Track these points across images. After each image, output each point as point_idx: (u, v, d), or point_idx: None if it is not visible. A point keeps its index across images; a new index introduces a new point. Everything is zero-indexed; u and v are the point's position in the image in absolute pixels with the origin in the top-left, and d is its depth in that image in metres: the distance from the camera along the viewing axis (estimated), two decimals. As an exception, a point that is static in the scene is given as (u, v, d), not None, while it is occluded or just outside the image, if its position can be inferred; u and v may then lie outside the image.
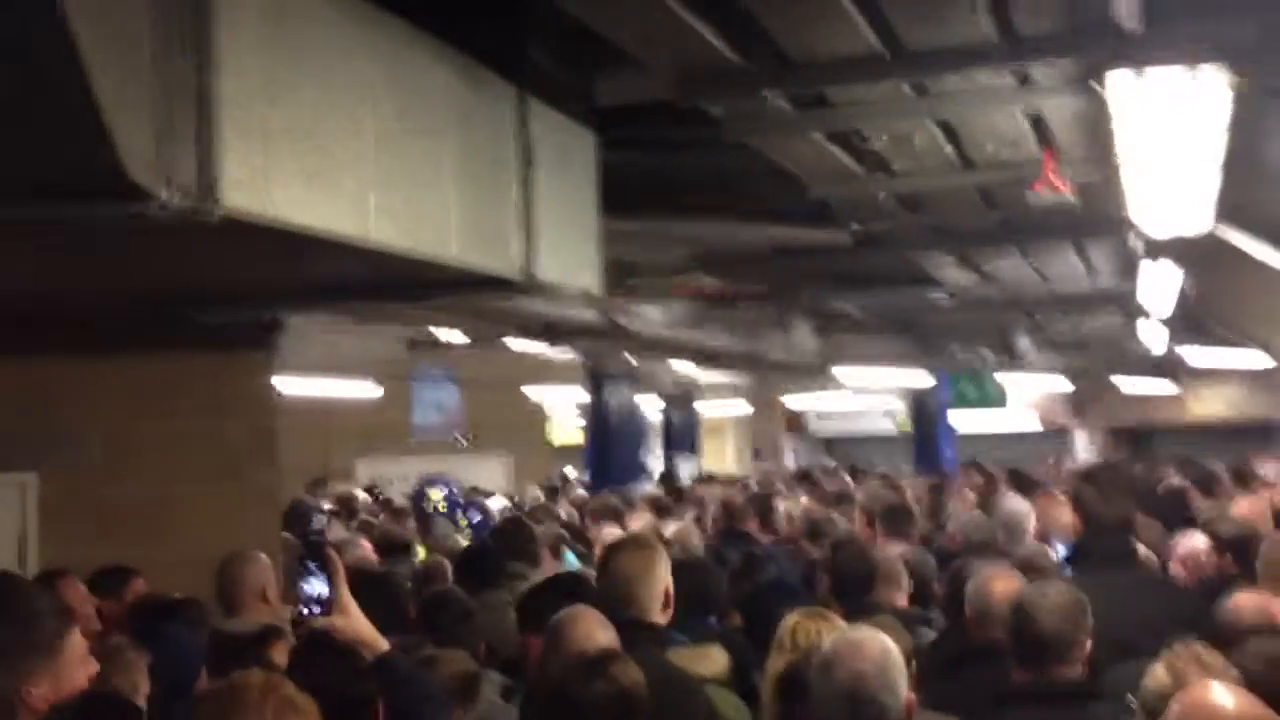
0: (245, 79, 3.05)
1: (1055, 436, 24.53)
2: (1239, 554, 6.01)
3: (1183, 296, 9.80)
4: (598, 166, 5.24)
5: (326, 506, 11.57)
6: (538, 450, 19.20)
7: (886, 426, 25.44)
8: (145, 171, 2.73)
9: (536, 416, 19.17)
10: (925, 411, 20.85)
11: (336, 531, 9.36)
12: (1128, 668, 3.59)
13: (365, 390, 14.52)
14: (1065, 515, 6.25)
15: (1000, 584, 4.31)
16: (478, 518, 9.70)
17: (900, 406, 23.60)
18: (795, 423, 26.79)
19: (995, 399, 22.38)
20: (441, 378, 16.73)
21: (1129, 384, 21.56)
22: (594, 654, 3.27)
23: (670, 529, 7.55)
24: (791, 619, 3.88)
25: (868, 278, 10.15)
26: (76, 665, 2.99)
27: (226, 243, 3.52)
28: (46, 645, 2.95)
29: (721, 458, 22.15)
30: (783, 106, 4.72)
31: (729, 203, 7.05)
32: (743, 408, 22.84)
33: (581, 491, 13.15)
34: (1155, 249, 7.57)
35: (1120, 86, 3.91)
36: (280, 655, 3.87)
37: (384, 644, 3.34)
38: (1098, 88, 4.04)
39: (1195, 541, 5.99)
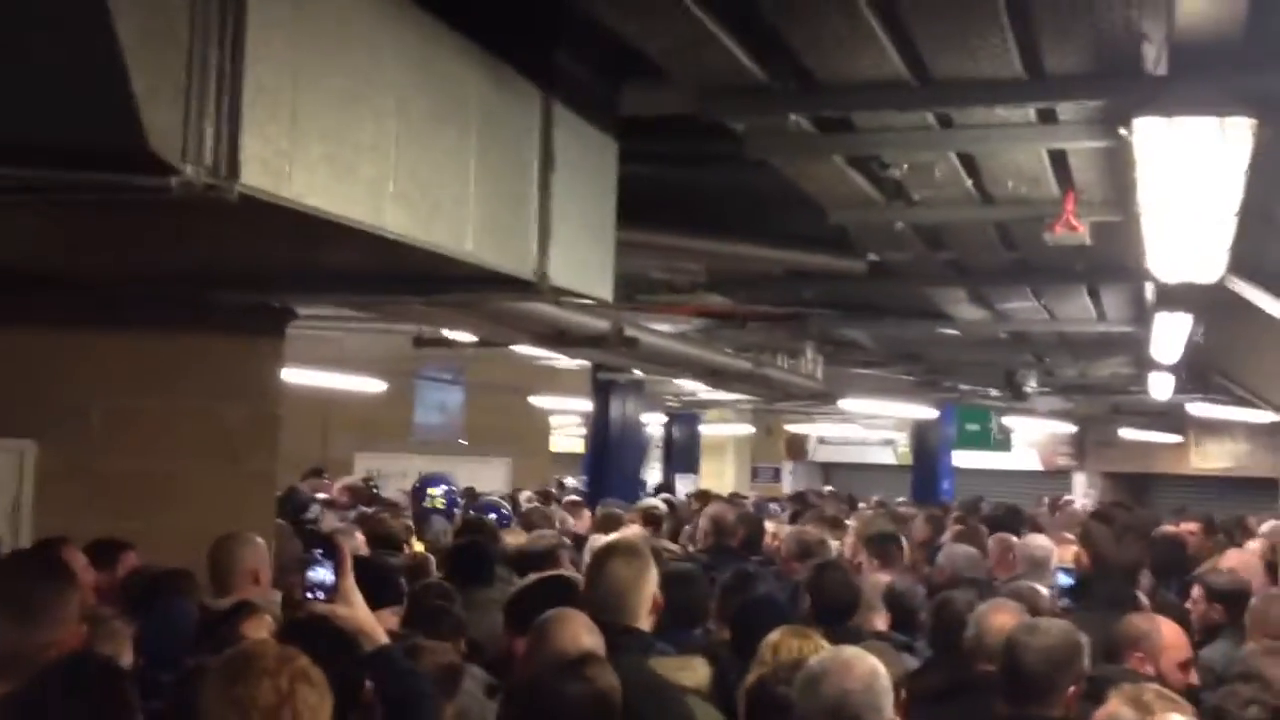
0: (275, 63, 3.06)
1: (1055, 478, 24.50)
2: (1230, 606, 6.04)
3: (1191, 348, 9.79)
4: (618, 176, 5.24)
5: (321, 496, 11.59)
6: (538, 456, 19.20)
7: (886, 456, 25.45)
8: (168, 146, 2.74)
9: (538, 422, 19.18)
10: (926, 444, 20.85)
11: (330, 521, 9.37)
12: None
13: (368, 385, 14.52)
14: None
15: (999, 617, 4.32)
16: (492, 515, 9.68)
17: (900, 437, 23.61)
18: (795, 447, 26.80)
19: (1000, 442, 22.37)
20: (446, 379, 16.74)
21: (1133, 432, 21.55)
22: (572, 656, 3.28)
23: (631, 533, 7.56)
24: (775, 635, 3.90)
25: (879, 308, 10.15)
26: (76, 629, 3.12)
27: (242, 223, 3.53)
28: (63, 607, 3.09)
29: (720, 477, 22.15)
30: (806, 127, 4.73)
31: (745, 223, 7.06)
32: (744, 429, 22.86)
33: (574, 497, 13.16)
34: (1167, 298, 7.56)
35: (1147, 133, 3.91)
36: (253, 631, 3.88)
37: (383, 635, 3.38)
38: (1124, 132, 4.04)
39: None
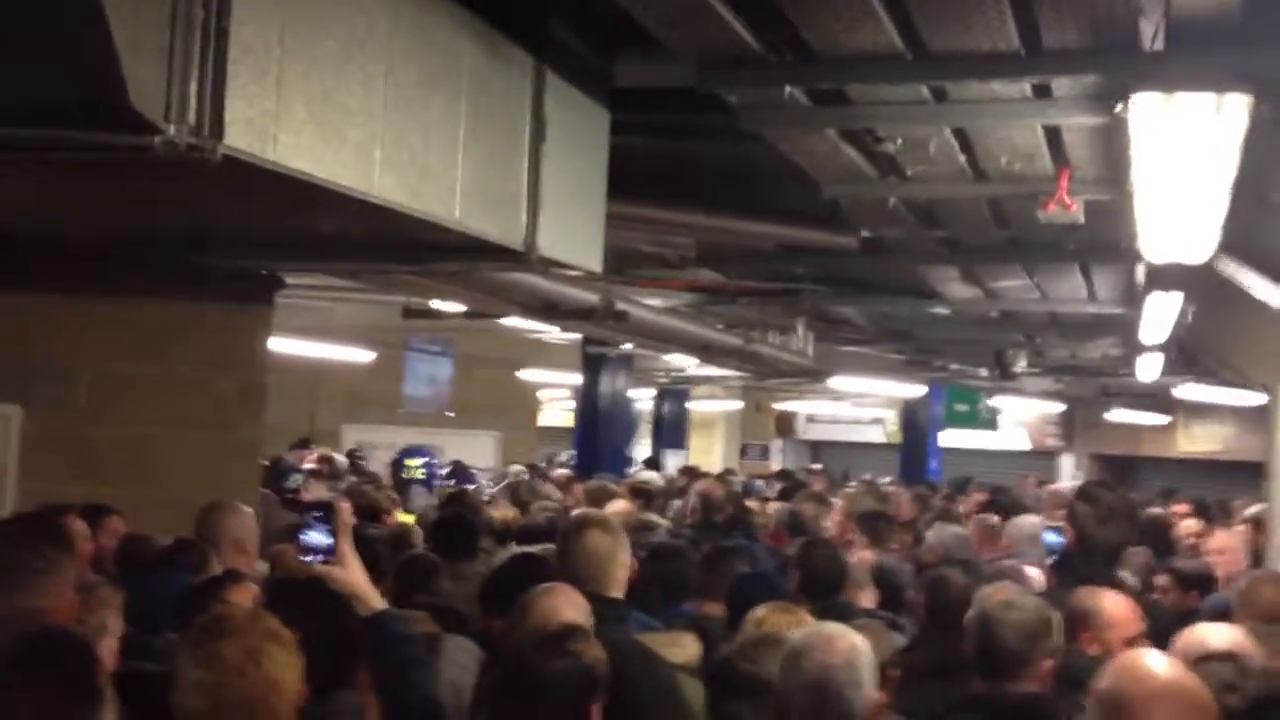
0: (261, 23, 3.03)
1: (1043, 458, 24.56)
2: (1202, 591, 6.06)
3: (1180, 328, 9.78)
4: (609, 147, 5.21)
5: (306, 466, 11.57)
6: (526, 430, 19.18)
7: (874, 435, 25.49)
8: (151, 105, 2.71)
9: (527, 396, 19.15)
10: (915, 423, 20.89)
11: (316, 491, 9.36)
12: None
13: (356, 355, 14.48)
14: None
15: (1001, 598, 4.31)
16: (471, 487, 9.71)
17: (889, 415, 23.65)
18: (784, 424, 26.82)
19: (986, 421, 22.43)
20: (436, 351, 16.70)
21: (1121, 413, 21.59)
22: (556, 629, 3.27)
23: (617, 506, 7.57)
24: (760, 611, 3.89)
25: (870, 285, 10.13)
26: (68, 599, 3.12)
27: (228, 186, 3.49)
28: (52, 575, 3.10)
29: (709, 454, 22.16)
30: (800, 100, 4.69)
31: (736, 197, 7.02)
32: (734, 405, 22.85)
33: (563, 470, 13.16)
34: (1157, 278, 7.54)
35: (1145, 108, 3.88)
36: (237, 599, 3.87)
37: (378, 601, 3.38)
38: (1120, 108, 4.01)
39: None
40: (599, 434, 14.37)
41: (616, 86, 5.12)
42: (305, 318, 10.66)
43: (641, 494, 9.67)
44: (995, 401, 20.89)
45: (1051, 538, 6.45)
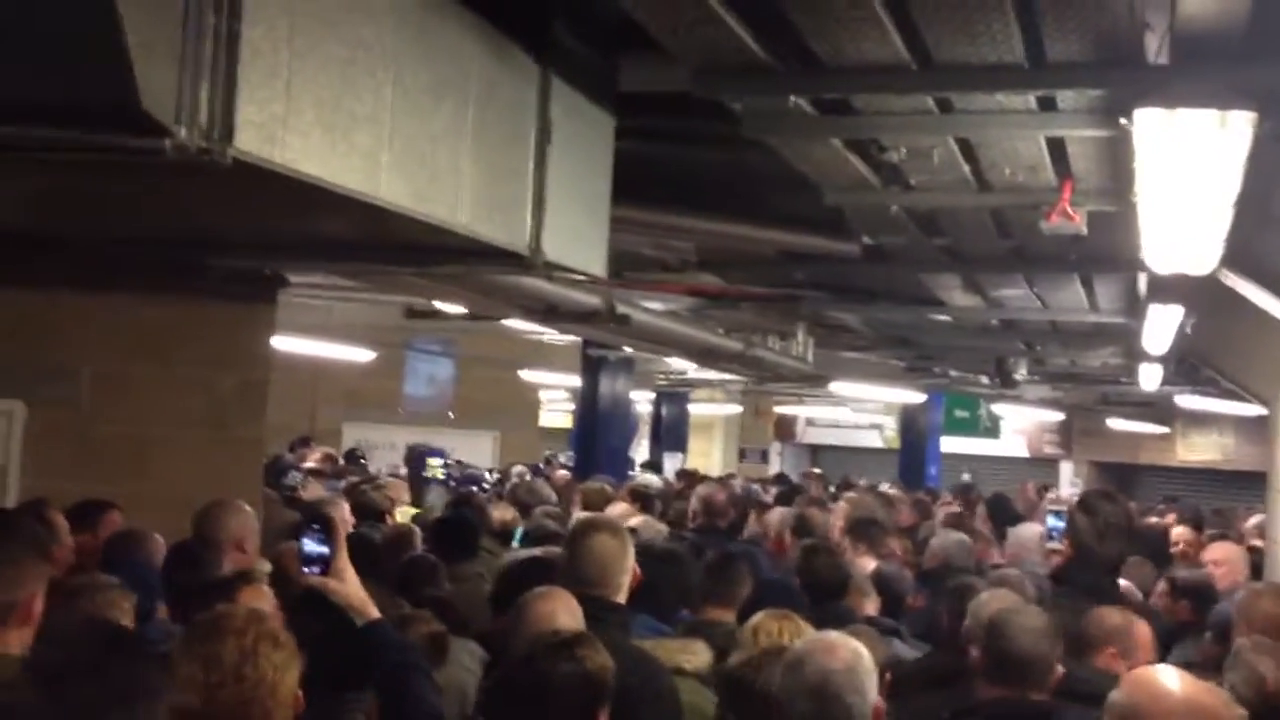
0: (271, 27, 3.04)
1: (1041, 465, 24.57)
2: (1196, 602, 6.05)
3: (1181, 339, 9.79)
4: (614, 152, 5.22)
5: (306, 465, 11.58)
6: (526, 430, 19.19)
7: (873, 440, 25.49)
8: (161, 107, 2.71)
9: (527, 397, 19.17)
10: (914, 428, 20.89)
11: (315, 490, 9.37)
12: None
13: (357, 355, 14.50)
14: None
15: (999, 606, 4.32)
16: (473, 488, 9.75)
17: (888, 421, 23.66)
18: (783, 428, 26.83)
19: (988, 429, 22.42)
20: (437, 351, 16.73)
21: (1120, 422, 21.60)
22: (563, 634, 3.29)
23: (634, 520, 7.57)
24: (756, 618, 3.90)
25: (871, 292, 10.13)
26: (33, 595, 3.11)
27: (236, 188, 3.50)
28: (44, 559, 3.09)
29: (708, 457, 22.17)
30: (805, 108, 4.70)
31: (738, 203, 7.03)
32: (733, 409, 22.87)
33: (564, 471, 13.16)
34: (1159, 289, 7.56)
35: (1149, 123, 3.89)
36: (250, 601, 3.89)
37: (374, 611, 3.38)
38: (1125, 122, 4.02)
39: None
40: (598, 436, 14.38)
41: (621, 92, 5.14)
42: (306, 316, 10.68)
43: (640, 497, 9.68)
44: (995, 409, 20.89)
45: (1052, 520, 6.45)
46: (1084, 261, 7.79)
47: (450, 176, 4.01)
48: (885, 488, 15.26)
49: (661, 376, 17.19)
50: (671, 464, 18.20)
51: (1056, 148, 5.20)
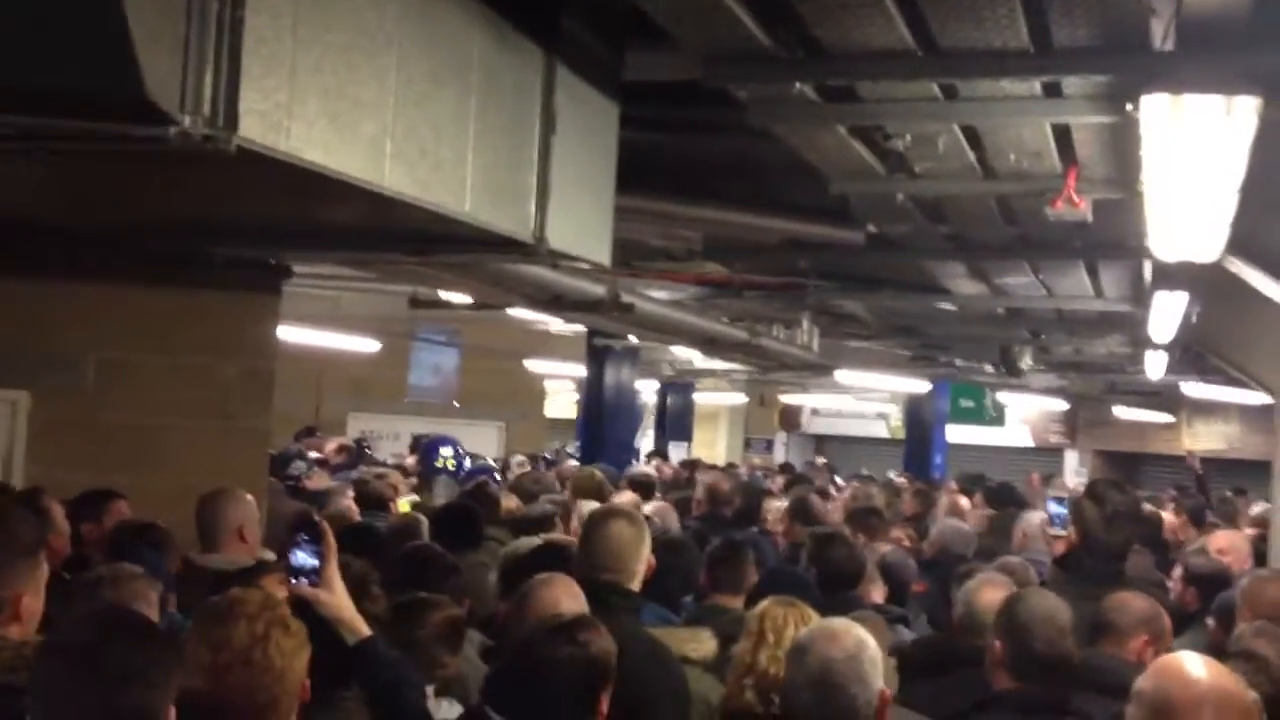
0: (275, 15, 3.03)
1: (1046, 454, 24.55)
2: (1204, 591, 6.03)
3: (1186, 327, 9.78)
4: (618, 141, 5.21)
5: (313, 455, 11.59)
6: (531, 421, 19.20)
7: (878, 429, 25.48)
8: (166, 95, 2.71)
9: (533, 387, 19.17)
10: (919, 418, 20.87)
11: (320, 481, 9.38)
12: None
13: (362, 345, 14.51)
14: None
15: (991, 592, 4.33)
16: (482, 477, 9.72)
17: (893, 410, 23.65)
18: (789, 418, 26.83)
19: (994, 418, 22.40)
20: (442, 341, 16.73)
21: (1126, 410, 21.57)
22: (564, 618, 3.29)
23: (649, 507, 7.59)
24: (763, 605, 3.90)
25: (877, 280, 10.13)
26: (28, 585, 3.06)
27: (239, 177, 3.50)
28: (29, 554, 3.04)
29: (713, 447, 22.18)
30: (810, 95, 4.69)
31: (743, 192, 7.03)
32: (738, 398, 22.87)
33: (573, 463, 13.17)
34: (1164, 276, 7.54)
35: (1154, 109, 3.88)
36: (272, 589, 3.89)
37: (364, 627, 3.35)
38: (1131, 108, 4.01)
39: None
40: (603, 425, 14.38)
41: (626, 80, 5.12)
42: (312, 307, 10.69)
43: (641, 486, 9.67)
44: (1000, 397, 20.87)
45: (1054, 507, 6.46)
46: (1089, 249, 7.78)
47: (454, 164, 4.01)
48: (892, 476, 15.28)
49: (667, 366, 17.19)
50: (677, 453, 18.22)
51: (1061, 135, 5.19)
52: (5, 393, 6.22)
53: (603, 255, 5.22)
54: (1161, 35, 3.97)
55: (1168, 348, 11.76)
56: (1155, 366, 13.23)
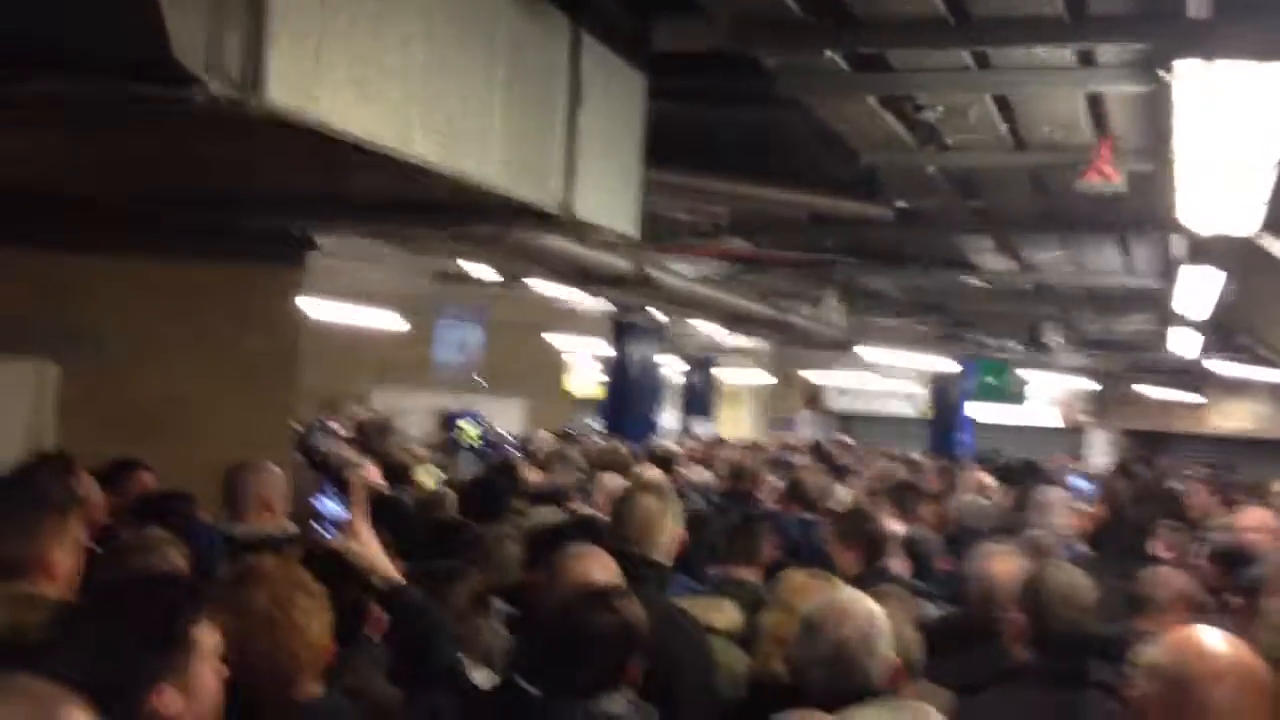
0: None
1: (1074, 434, 24.44)
2: (1229, 566, 5.98)
3: (1217, 306, 9.70)
4: (646, 112, 5.18)
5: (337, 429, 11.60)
6: (554, 398, 19.19)
7: (905, 409, 25.38)
8: (193, 58, 2.70)
9: (556, 364, 19.16)
10: (946, 398, 20.78)
11: (346, 453, 9.37)
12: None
13: (390, 322, 14.50)
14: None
15: (1005, 563, 4.31)
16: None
17: (920, 391, 23.55)
18: (814, 397, 26.76)
19: (1015, 395, 22.27)
20: (466, 317, 16.70)
21: (1153, 389, 21.44)
22: (600, 587, 3.29)
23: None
24: (798, 578, 3.88)
25: (904, 256, 10.07)
26: (79, 545, 3.08)
27: (264, 144, 3.49)
28: (58, 511, 3.06)
29: (738, 425, 22.14)
30: (840, 65, 4.64)
31: (771, 166, 6.98)
32: (763, 377, 22.81)
33: (597, 439, 13.15)
34: (1198, 251, 7.47)
35: (1188, 75, 3.83)
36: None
37: (394, 572, 3.38)
38: (1164, 75, 3.95)
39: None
40: (627, 402, 14.37)
41: (654, 51, 5.08)
42: (337, 282, 10.68)
43: (660, 460, 9.65)
44: (1027, 376, 20.74)
45: (1079, 481, 6.44)
46: (1119, 223, 7.72)
47: (480, 134, 3.98)
48: (918, 457, 15.22)
49: (691, 342, 17.15)
50: (702, 432, 18.20)
51: (1094, 105, 5.13)
52: (36, 363, 6.24)
53: (630, 226, 5.19)
54: (1197, 3, 3.92)
55: (1197, 325, 11.67)
56: (1186, 344, 13.13)
